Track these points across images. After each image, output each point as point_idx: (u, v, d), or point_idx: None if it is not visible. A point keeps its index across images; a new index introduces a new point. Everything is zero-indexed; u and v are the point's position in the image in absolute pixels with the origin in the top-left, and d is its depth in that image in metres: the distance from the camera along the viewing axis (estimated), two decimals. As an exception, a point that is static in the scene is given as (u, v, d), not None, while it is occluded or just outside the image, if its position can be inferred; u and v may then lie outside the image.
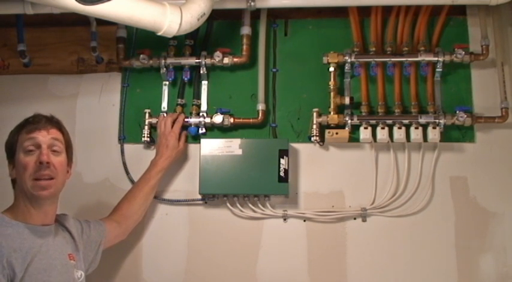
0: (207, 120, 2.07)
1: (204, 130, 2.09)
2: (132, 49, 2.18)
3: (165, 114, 2.07)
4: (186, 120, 2.08)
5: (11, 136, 1.56)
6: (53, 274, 1.46)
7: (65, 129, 1.62)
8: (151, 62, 2.11)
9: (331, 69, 2.04)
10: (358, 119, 2.02)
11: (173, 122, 2.03)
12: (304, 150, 2.08)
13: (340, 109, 2.04)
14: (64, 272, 1.51)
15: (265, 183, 1.96)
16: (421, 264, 1.96)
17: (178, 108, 2.12)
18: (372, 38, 2.09)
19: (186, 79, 2.12)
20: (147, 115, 2.09)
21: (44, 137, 1.51)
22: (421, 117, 2.00)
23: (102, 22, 1.88)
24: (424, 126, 2.01)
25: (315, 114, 2.02)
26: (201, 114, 2.09)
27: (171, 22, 1.73)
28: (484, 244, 1.97)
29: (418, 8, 2.06)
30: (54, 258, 1.49)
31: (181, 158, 2.08)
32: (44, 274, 1.44)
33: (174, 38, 1.90)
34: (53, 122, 1.57)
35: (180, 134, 2.03)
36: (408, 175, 2.03)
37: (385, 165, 2.04)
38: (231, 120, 2.07)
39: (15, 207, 1.52)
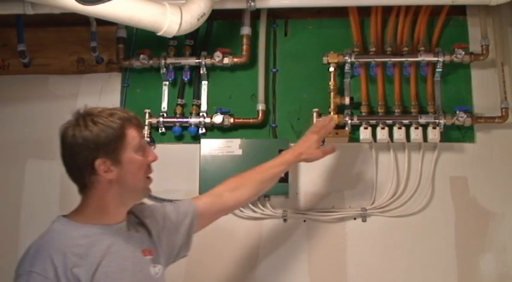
0: (207, 120, 2.08)
1: (204, 130, 2.09)
2: (132, 49, 2.18)
3: None
4: (186, 120, 2.09)
5: (113, 128, 1.34)
6: (123, 276, 1.36)
7: None
8: (151, 62, 2.11)
9: (331, 69, 2.04)
10: (358, 119, 2.02)
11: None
12: (304, 150, 2.08)
13: (340, 109, 2.04)
14: (137, 271, 1.41)
15: (265, 183, 1.96)
16: (421, 264, 1.96)
17: (178, 109, 2.12)
18: (372, 38, 2.09)
19: (186, 79, 2.12)
20: (147, 115, 2.09)
21: (143, 137, 1.49)
22: (421, 117, 2.01)
23: (102, 22, 1.88)
24: (424, 126, 2.01)
25: (315, 114, 2.03)
26: (201, 114, 2.10)
27: (171, 22, 1.73)
28: (484, 244, 1.97)
29: (418, 8, 2.06)
30: (125, 258, 1.38)
31: (181, 158, 2.08)
32: (113, 277, 1.34)
33: (174, 38, 1.90)
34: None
35: (323, 137, 1.86)
36: (408, 175, 2.03)
37: (385, 165, 2.04)
38: (231, 120, 2.07)
39: (91, 209, 1.38)
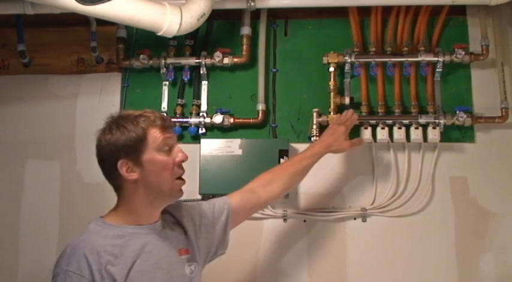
0: (207, 120, 2.08)
1: (204, 130, 2.09)
2: (132, 49, 2.18)
3: None
4: (186, 120, 2.09)
5: (135, 131, 1.39)
6: (158, 274, 1.39)
7: None
8: (151, 62, 2.11)
9: (331, 69, 2.04)
10: (358, 119, 2.02)
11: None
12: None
13: (340, 109, 2.04)
14: (172, 270, 1.43)
15: (265, 183, 1.96)
16: (421, 264, 1.96)
17: (178, 109, 2.12)
18: (372, 38, 2.09)
19: (186, 79, 2.12)
20: (147, 115, 2.09)
21: (174, 137, 1.45)
22: (421, 117, 2.01)
23: (102, 22, 1.88)
24: (424, 126, 2.02)
25: (315, 114, 2.03)
26: (201, 114, 2.10)
27: (171, 22, 1.73)
28: (484, 244, 1.97)
29: (418, 8, 2.06)
30: (160, 257, 1.41)
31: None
32: (148, 276, 1.37)
33: (174, 38, 1.90)
34: (169, 121, 1.49)
35: (350, 128, 1.88)
36: (408, 175, 2.03)
37: (385, 165, 2.04)
38: (231, 120, 2.07)
39: (124, 210, 1.42)
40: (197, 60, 2.10)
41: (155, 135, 1.40)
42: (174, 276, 1.43)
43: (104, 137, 1.41)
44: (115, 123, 1.41)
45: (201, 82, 2.14)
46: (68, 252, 1.34)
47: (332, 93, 2.03)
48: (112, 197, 2.03)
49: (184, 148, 2.05)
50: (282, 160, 1.96)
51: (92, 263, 1.30)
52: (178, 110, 2.12)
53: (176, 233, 1.50)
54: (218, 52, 2.08)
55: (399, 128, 2.01)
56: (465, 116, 1.98)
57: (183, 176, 1.44)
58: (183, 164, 1.44)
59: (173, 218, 1.53)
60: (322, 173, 2.05)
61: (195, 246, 1.52)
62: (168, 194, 1.43)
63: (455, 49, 2.01)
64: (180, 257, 1.47)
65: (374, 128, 2.03)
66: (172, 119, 2.09)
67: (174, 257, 1.45)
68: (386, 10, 2.08)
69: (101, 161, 1.43)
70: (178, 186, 1.44)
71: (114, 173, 1.40)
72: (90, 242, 1.35)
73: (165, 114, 1.50)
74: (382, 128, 2.01)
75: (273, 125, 2.11)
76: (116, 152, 1.39)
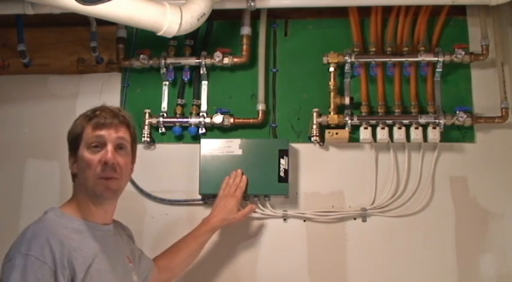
0: (207, 120, 2.07)
1: (204, 130, 2.09)
2: (132, 49, 2.18)
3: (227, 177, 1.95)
4: (186, 120, 2.09)
5: (75, 127, 1.46)
6: (113, 277, 1.40)
7: (133, 122, 1.52)
8: (151, 62, 2.11)
9: (331, 69, 2.04)
10: (358, 119, 2.02)
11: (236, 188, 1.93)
12: (304, 150, 2.08)
13: (340, 109, 2.04)
14: (124, 274, 1.45)
15: (265, 184, 1.96)
16: (421, 264, 1.96)
17: (178, 109, 2.12)
18: (372, 38, 2.09)
19: (186, 79, 2.12)
20: (147, 115, 2.09)
21: (111, 135, 1.42)
22: (421, 117, 2.01)
23: (102, 22, 1.88)
24: (424, 126, 2.02)
25: (315, 114, 2.03)
26: (201, 114, 2.09)
27: (171, 22, 1.73)
28: (484, 244, 1.97)
29: (418, 8, 2.06)
30: (114, 260, 1.42)
31: (181, 158, 2.09)
32: (105, 276, 1.37)
33: (174, 38, 1.90)
34: (120, 117, 1.47)
35: (241, 199, 1.92)
36: (408, 175, 2.03)
37: (385, 165, 2.04)
38: (231, 120, 2.07)
39: (75, 203, 1.44)
40: (197, 60, 2.10)
41: (87, 132, 1.43)
42: (126, 281, 1.46)
43: None
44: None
45: (201, 82, 2.14)
46: (28, 236, 1.29)
47: (332, 93, 2.03)
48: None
49: (184, 148, 2.11)
50: (282, 160, 1.96)
51: (56, 251, 1.27)
52: (178, 110, 2.12)
53: (125, 242, 1.55)
54: (218, 52, 2.07)
55: (399, 128, 2.01)
56: (465, 116, 1.98)
57: (107, 179, 1.41)
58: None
59: (122, 228, 1.60)
60: (322, 173, 2.06)
61: (136, 262, 1.58)
62: (92, 192, 1.42)
63: (455, 49, 2.01)
64: (129, 264, 1.50)
65: (374, 128, 2.02)
66: (173, 119, 2.10)
67: (124, 262, 1.48)
68: (387, 10, 2.08)
69: None
70: (101, 186, 1.41)
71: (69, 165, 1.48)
72: (52, 229, 1.33)
73: (123, 111, 1.51)
74: (382, 128, 2.01)
75: (273, 125, 2.11)
76: (68, 145, 1.48)
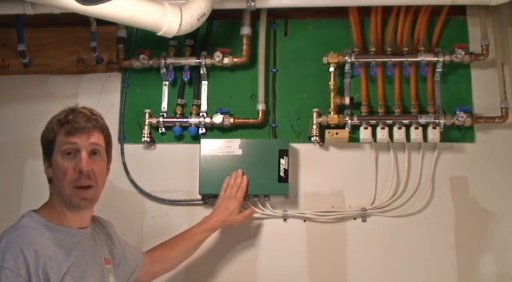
0: (207, 120, 2.07)
1: (204, 130, 2.09)
2: (132, 49, 2.18)
3: (228, 177, 1.95)
4: (186, 120, 2.09)
5: (48, 132, 1.43)
6: (89, 281, 1.39)
7: (106, 126, 1.48)
8: (151, 62, 2.11)
9: (331, 69, 2.04)
10: (358, 119, 2.02)
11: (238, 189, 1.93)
12: (304, 150, 2.08)
13: (340, 109, 2.04)
14: (100, 278, 1.43)
15: (265, 183, 1.96)
16: (421, 264, 1.96)
17: (178, 109, 2.12)
18: (372, 38, 2.09)
19: (186, 79, 2.12)
20: (147, 115, 2.09)
21: (84, 142, 1.38)
22: (421, 117, 2.01)
23: (102, 22, 1.88)
24: (424, 126, 2.01)
25: (315, 114, 2.03)
26: (201, 114, 2.09)
27: (171, 22, 1.73)
28: (484, 244, 1.97)
29: (418, 8, 2.06)
30: (90, 265, 1.41)
31: (181, 158, 2.08)
32: None
33: (174, 38, 1.90)
34: (93, 122, 1.42)
35: (242, 201, 1.92)
36: (408, 175, 2.03)
37: (385, 165, 2.04)
38: (231, 120, 2.07)
39: (51, 207, 1.42)
40: (197, 60, 2.10)
41: (60, 137, 1.40)
42: None
43: None
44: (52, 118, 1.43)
45: (201, 82, 2.14)
46: (3, 246, 1.27)
47: (332, 93, 2.03)
48: (108, 197, 2.04)
49: (184, 148, 2.11)
50: (282, 160, 1.96)
51: (30, 262, 1.25)
52: (178, 110, 2.12)
53: (103, 243, 1.52)
54: (218, 52, 2.07)
55: (399, 128, 2.01)
56: (465, 116, 1.98)
57: (83, 190, 1.38)
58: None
59: (103, 228, 1.57)
60: (322, 173, 2.06)
61: (115, 264, 1.55)
62: (68, 202, 1.38)
63: (455, 49, 2.01)
64: (106, 266, 1.48)
65: (374, 128, 2.02)
66: (173, 119, 2.10)
67: (102, 265, 1.46)
68: (387, 10, 2.08)
69: None
70: (77, 197, 1.37)
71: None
72: (27, 238, 1.30)
73: (96, 114, 1.46)
74: (382, 128, 2.01)
75: (273, 125, 2.11)
76: (42, 148, 1.45)
